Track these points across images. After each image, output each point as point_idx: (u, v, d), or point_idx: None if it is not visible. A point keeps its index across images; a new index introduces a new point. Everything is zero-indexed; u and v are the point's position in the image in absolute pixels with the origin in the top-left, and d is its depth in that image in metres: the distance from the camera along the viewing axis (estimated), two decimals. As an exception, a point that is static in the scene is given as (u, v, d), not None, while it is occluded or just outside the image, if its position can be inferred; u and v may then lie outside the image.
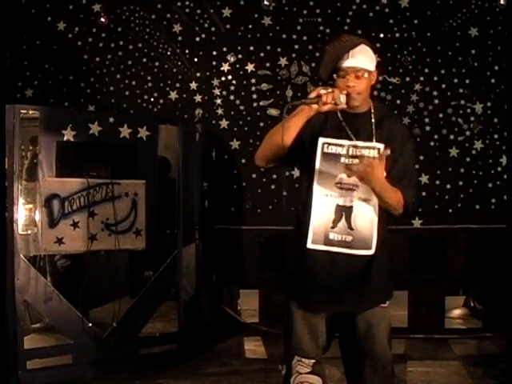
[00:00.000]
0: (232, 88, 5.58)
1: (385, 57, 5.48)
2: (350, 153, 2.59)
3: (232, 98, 5.58)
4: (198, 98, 5.60)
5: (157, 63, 5.62)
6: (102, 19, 5.48)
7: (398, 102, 5.47)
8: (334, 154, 2.60)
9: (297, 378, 2.70)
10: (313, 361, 2.69)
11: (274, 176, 5.53)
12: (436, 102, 5.45)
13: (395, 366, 4.09)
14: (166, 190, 4.73)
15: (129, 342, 4.38)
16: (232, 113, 5.58)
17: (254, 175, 5.55)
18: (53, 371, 4.13)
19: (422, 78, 5.47)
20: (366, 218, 2.60)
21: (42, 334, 4.70)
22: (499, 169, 5.37)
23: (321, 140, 2.61)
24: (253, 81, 5.56)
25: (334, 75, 2.57)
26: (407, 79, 5.48)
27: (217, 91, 5.59)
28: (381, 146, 2.58)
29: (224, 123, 5.58)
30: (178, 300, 4.65)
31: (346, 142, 2.60)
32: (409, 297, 5.51)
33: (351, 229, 2.59)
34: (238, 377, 4.32)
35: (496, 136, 5.39)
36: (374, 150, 2.59)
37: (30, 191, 4.35)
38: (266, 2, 5.44)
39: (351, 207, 2.59)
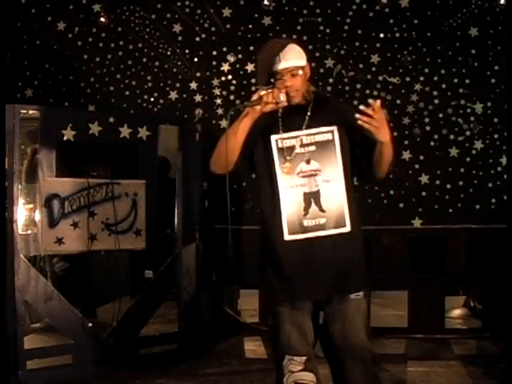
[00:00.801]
0: (232, 88, 5.58)
1: (385, 57, 5.49)
2: (304, 142, 2.71)
3: (232, 98, 5.58)
4: (198, 97, 5.60)
5: (157, 63, 5.62)
6: (102, 19, 5.49)
7: (398, 101, 5.47)
8: (288, 147, 2.71)
9: (290, 376, 2.69)
10: (304, 358, 2.69)
11: (274, 176, 5.53)
12: (436, 101, 5.45)
13: (395, 366, 4.14)
14: (165, 190, 4.73)
15: (129, 341, 4.38)
16: (232, 113, 5.56)
17: (254, 175, 5.54)
18: (53, 371, 4.13)
19: (421, 78, 5.47)
20: (335, 198, 2.71)
21: (42, 333, 4.70)
22: (499, 169, 5.37)
23: (273, 137, 2.73)
24: (253, 81, 5.56)
25: (271, 79, 2.67)
26: (407, 79, 5.48)
27: (217, 91, 5.59)
28: (333, 127, 2.70)
29: (224, 123, 5.58)
30: (178, 300, 4.65)
31: (297, 133, 2.71)
32: (409, 297, 5.50)
33: (323, 211, 2.69)
34: (237, 377, 4.31)
35: (496, 136, 5.39)
36: (326, 133, 2.71)
37: (30, 191, 4.35)
38: (266, 2, 5.44)
39: (318, 191, 2.70)
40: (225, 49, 5.60)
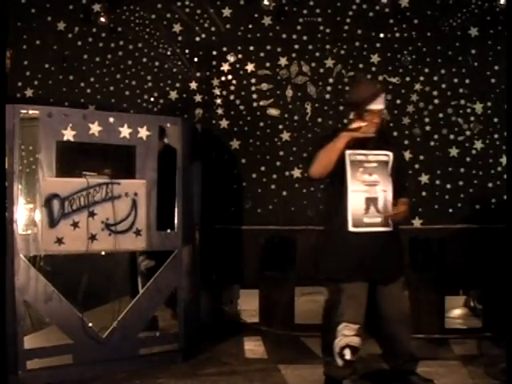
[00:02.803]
0: (232, 88, 5.58)
1: (385, 57, 5.49)
2: (369, 159, 3.66)
3: (232, 97, 5.58)
4: (198, 97, 5.60)
5: (157, 63, 5.62)
6: (102, 19, 5.49)
7: (398, 101, 5.47)
8: (358, 161, 3.66)
9: (342, 339, 3.55)
10: (358, 326, 3.56)
11: (274, 176, 5.54)
12: (436, 101, 5.45)
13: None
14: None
15: (129, 341, 4.38)
16: (232, 113, 5.58)
17: (254, 175, 5.56)
18: (53, 371, 4.13)
19: (422, 78, 5.47)
20: (387, 203, 3.64)
21: (42, 334, 4.70)
22: (499, 169, 5.37)
23: (347, 152, 3.65)
24: (253, 81, 5.56)
25: (365, 113, 3.68)
26: (407, 79, 5.48)
27: (217, 91, 5.59)
28: (389, 153, 3.73)
29: (224, 123, 5.58)
30: (178, 300, 4.65)
31: (365, 152, 3.68)
32: (409, 297, 5.50)
33: (379, 212, 3.62)
34: (237, 377, 4.32)
35: (496, 136, 5.39)
36: (385, 156, 3.71)
37: (30, 191, 4.35)
38: (265, 2, 5.44)
39: (376, 197, 3.64)
40: (225, 49, 5.60)
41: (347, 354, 3.55)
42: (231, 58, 5.59)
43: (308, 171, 3.69)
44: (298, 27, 5.55)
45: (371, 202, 3.60)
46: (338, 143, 3.59)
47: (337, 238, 3.65)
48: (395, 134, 5.46)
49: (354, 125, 3.67)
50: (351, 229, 3.57)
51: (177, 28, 5.61)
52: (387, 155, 3.70)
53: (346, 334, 3.53)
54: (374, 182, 3.64)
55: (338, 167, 3.62)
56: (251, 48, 5.57)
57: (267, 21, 5.56)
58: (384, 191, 3.64)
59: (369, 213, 3.59)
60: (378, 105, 3.67)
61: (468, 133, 5.42)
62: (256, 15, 5.56)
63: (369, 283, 3.63)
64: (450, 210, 5.39)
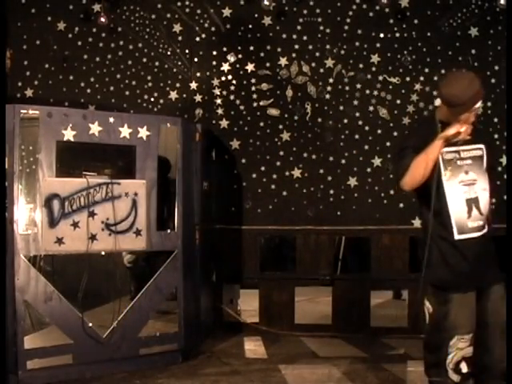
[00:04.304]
0: (232, 88, 5.58)
1: (385, 57, 5.49)
2: (462, 155, 3.26)
3: (232, 97, 5.58)
4: (198, 97, 5.60)
5: (157, 63, 5.62)
6: (102, 19, 5.48)
7: (398, 101, 5.48)
8: (451, 159, 3.23)
9: (457, 354, 3.23)
10: (471, 335, 3.23)
11: (274, 176, 5.54)
12: (436, 102, 5.44)
13: (395, 366, 4.16)
14: (166, 190, 4.72)
15: (129, 341, 4.38)
16: (232, 113, 5.58)
17: (254, 175, 5.56)
18: (53, 371, 4.13)
19: (422, 78, 5.47)
20: (487, 203, 3.30)
21: (42, 334, 4.69)
22: (499, 169, 5.36)
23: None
24: (253, 81, 5.56)
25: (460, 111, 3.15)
26: (407, 79, 5.48)
27: (217, 91, 5.59)
28: (482, 146, 3.30)
29: (224, 123, 5.58)
30: (178, 300, 4.65)
31: (457, 148, 3.25)
32: (409, 296, 5.51)
33: (481, 214, 3.26)
34: (238, 377, 4.31)
35: (496, 136, 5.39)
36: (478, 150, 3.30)
37: (30, 191, 4.35)
38: (266, 2, 5.44)
39: (477, 198, 3.26)
40: (225, 49, 5.60)
41: (464, 368, 3.27)
42: (231, 58, 5.59)
43: (399, 182, 3.31)
44: (298, 27, 5.55)
45: (472, 203, 3.27)
46: (434, 152, 3.17)
47: (442, 247, 3.28)
48: (395, 134, 5.47)
49: (451, 130, 3.16)
50: (457, 237, 3.23)
51: (177, 28, 5.61)
52: (481, 149, 3.32)
53: (461, 347, 3.24)
54: (472, 180, 3.27)
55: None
56: (251, 48, 5.57)
57: (267, 21, 5.56)
58: (484, 190, 3.29)
59: (472, 216, 3.25)
60: (479, 105, 3.21)
61: (468, 133, 5.41)
62: (256, 15, 5.56)
63: (476, 290, 3.31)
64: (450, 210, 5.38)
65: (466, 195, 3.25)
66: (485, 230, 3.29)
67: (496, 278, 3.34)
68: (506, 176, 5.17)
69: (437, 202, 3.23)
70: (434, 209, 3.23)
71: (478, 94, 3.13)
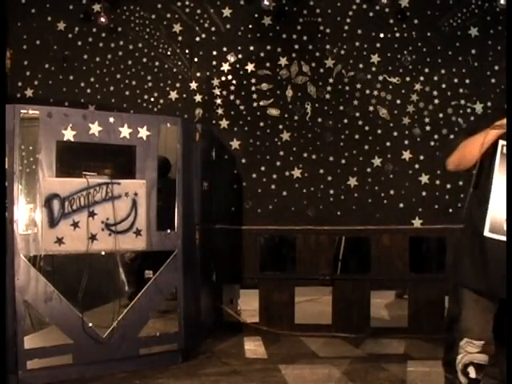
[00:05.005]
0: (232, 88, 5.58)
1: (385, 57, 5.49)
2: None
3: (232, 97, 5.58)
4: (198, 97, 5.60)
5: (157, 63, 5.62)
6: (102, 19, 5.48)
7: (398, 101, 5.47)
8: (505, 154, 2.99)
9: (465, 356, 3.12)
10: (482, 342, 3.10)
11: (274, 176, 5.54)
12: (436, 101, 5.45)
13: (395, 366, 4.16)
14: (166, 190, 4.72)
15: (129, 342, 4.38)
16: (232, 113, 5.58)
17: (254, 175, 5.56)
18: (53, 371, 4.13)
19: (422, 78, 5.47)
20: None
21: (42, 334, 4.69)
22: (499, 169, 5.36)
23: (500, 142, 2.99)
24: (253, 81, 5.56)
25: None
26: (407, 79, 5.48)
27: (217, 91, 5.59)
28: None
29: (224, 123, 5.58)
30: (178, 300, 4.65)
31: None
32: (409, 297, 5.51)
33: None
34: (237, 377, 4.31)
35: (496, 136, 5.38)
36: None
37: (30, 191, 4.35)
38: (266, 2, 5.43)
39: None
40: (225, 49, 5.60)
41: (471, 372, 3.17)
42: (231, 58, 5.59)
43: (446, 160, 3.25)
44: (298, 27, 5.55)
45: None
46: (489, 135, 3.01)
47: (472, 241, 3.09)
48: (395, 134, 5.47)
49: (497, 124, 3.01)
50: (487, 234, 3.00)
51: (177, 28, 5.61)
52: None
53: (470, 352, 3.14)
54: None
55: (485, 161, 3.09)
56: (251, 48, 5.57)
57: (267, 21, 5.56)
58: None
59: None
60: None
61: (468, 133, 5.41)
62: (256, 15, 5.56)
63: (497, 299, 3.08)
64: (450, 210, 5.39)
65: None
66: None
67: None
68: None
69: (483, 196, 3.08)
70: (479, 202, 3.11)
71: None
